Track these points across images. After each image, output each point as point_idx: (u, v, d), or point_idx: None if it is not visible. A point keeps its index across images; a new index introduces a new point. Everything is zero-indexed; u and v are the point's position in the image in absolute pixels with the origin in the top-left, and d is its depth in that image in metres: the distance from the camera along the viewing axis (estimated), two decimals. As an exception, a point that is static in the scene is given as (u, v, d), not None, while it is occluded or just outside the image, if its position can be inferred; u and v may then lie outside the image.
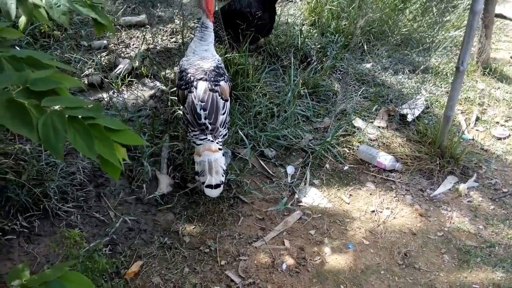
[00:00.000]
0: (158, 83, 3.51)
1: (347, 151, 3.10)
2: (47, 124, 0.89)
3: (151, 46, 3.89)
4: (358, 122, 3.29)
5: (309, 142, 3.11)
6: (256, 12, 3.45)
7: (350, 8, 4.22)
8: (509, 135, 3.24)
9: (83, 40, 3.83)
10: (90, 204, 2.56)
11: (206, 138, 2.44)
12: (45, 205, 2.39)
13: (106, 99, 3.23)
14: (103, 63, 3.60)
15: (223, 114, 2.52)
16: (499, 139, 3.22)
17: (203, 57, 2.69)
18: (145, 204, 2.61)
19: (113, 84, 3.35)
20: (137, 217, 2.53)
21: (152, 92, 3.43)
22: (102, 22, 1.52)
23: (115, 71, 3.49)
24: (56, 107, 0.95)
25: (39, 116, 0.90)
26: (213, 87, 2.52)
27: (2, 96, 0.89)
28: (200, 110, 2.45)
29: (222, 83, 2.57)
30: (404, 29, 4.08)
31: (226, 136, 2.65)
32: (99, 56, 3.64)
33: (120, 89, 3.37)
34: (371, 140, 3.17)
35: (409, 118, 3.28)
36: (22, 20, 1.50)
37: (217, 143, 2.46)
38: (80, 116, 0.92)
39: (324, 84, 3.58)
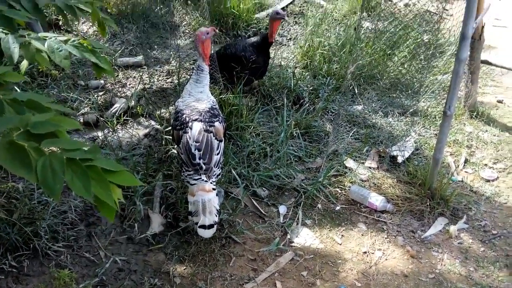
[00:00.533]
0: (153, 122, 3.56)
1: (339, 191, 3.13)
2: (46, 166, 0.93)
3: (147, 86, 3.98)
4: (350, 163, 3.34)
5: (301, 182, 3.13)
6: (250, 56, 3.56)
7: (341, 53, 4.37)
8: (497, 177, 3.30)
9: (81, 79, 3.91)
10: (81, 243, 2.54)
11: (200, 178, 2.45)
12: (35, 244, 2.37)
13: (101, 138, 3.26)
14: (99, 102, 3.66)
15: (217, 154, 2.55)
16: (488, 181, 3.27)
17: (198, 99, 2.75)
18: (136, 244, 2.59)
19: (109, 123, 3.40)
20: (128, 257, 2.51)
21: (146, 131, 3.48)
22: (102, 66, 1.59)
23: (111, 110, 3.55)
24: (55, 149, 0.98)
25: (38, 158, 0.93)
26: (208, 127, 2.56)
27: (3, 139, 0.93)
28: (195, 150, 2.47)
29: (216, 124, 2.62)
30: (393, 73, 4.21)
31: (220, 176, 2.68)
32: (95, 96, 3.71)
33: (115, 128, 3.41)
34: (362, 180, 3.21)
35: (399, 159, 3.33)
36: (24, 63, 1.56)
37: (211, 183, 2.48)
38: (78, 158, 0.95)
39: (316, 125, 3.66)
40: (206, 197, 2.42)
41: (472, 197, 3.11)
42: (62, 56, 1.53)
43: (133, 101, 3.68)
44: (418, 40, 3.88)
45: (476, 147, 3.60)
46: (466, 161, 3.45)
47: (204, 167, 2.44)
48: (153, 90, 3.98)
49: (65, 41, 1.65)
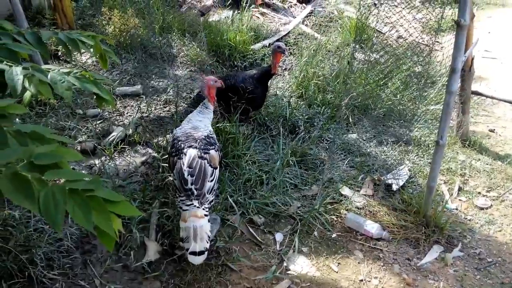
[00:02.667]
0: (150, 150, 3.60)
1: (335, 218, 3.14)
2: (48, 196, 0.95)
3: (145, 114, 4.03)
4: (345, 191, 3.37)
5: (297, 210, 3.15)
6: (248, 87, 3.64)
7: (335, 83, 4.47)
8: (491, 206, 3.33)
9: (79, 108, 3.96)
10: (76, 271, 2.53)
11: (192, 204, 2.46)
12: (31, 272, 2.36)
13: (98, 165, 3.29)
14: (97, 131, 3.70)
15: (211, 181, 2.57)
16: (482, 209, 3.30)
17: (196, 127, 2.83)
18: (132, 272, 2.58)
19: (106, 151, 3.43)
20: (123, 285, 2.49)
21: (144, 158, 3.51)
22: (104, 97, 1.64)
23: (108, 138, 3.59)
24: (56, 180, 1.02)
25: (41, 188, 0.96)
26: (202, 154, 2.60)
27: (7, 170, 0.96)
28: (188, 175, 2.50)
29: (212, 151, 2.66)
30: (387, 103, 4.30)
31: (213, 203, 2.70)
32: (93, 124, 3.76)
33: (113, 156, 3.44)
34: (358, 208, 3.23)
35: (394, 187, 3.37)
36: (27, 95, 1.61)
37: (203, 209, 2.48)
38: (80, 189, 0.99)
39: (312, 153, 3.70)
40: (198, 223, 2.42)
41: (467, 225, 3.13)
42: (64, 87, 1.58)
43: (130, 129, 3.72)
44: (410, 71, 3.99)
45: (470, 175, 3.65)
46: (460, 189, 3.49)
47: (195, 192, 2.47)
48: (150, 118, 4.03)
49: (68, 73, 1.70)
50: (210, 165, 2.60)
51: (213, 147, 2.71)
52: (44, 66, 1.69)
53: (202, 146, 2.65)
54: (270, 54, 3.75)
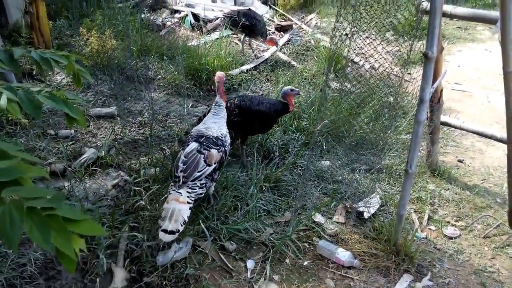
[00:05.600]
0: (122, 173, 3.53)
1: (307, 246, 3.13)
2: (5, 214, 0.92)
3: (118, 136, 3.98)
4: (318, 218, 3.37)
5: (270, 236, 3.13)
6: (262, 110, 3.74)
7: (310, 110, 4.54)
8: (460, 235, 3.39)
9: (50, 128, 3.89)
10: (38, 298, 2.42)
11: (176, 190, 2.72)
12: (-11, 298, 2.25)
13: (67, 188, 3.20)
14: (68, 152, 3.63)
15: (199, 172, 2.80)
16: (451, 238, 3.35)
17: (209, 127, 3.11)
18: (97, 299, 2.49)
19: (76, 173, 3.36)
20: (87, 313, 2.40)
21: (115, 181, 3.44)
22: (74, 116, 1.61)
23: (79, 159, 3.52)
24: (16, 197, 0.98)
25: (-2, 206, 0.92)
26: (201, 149, 2.89)
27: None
28: (181, 163, 2.80)
29: (213, 150, 2.93)
30: (359, 131, 4.38)
31: (202, 196, 2.92)
32: (64, 145, 3.68)
33: (83, 178, 3.36)
34: (330, 235, 3.23)
35: (366, 215, 3.40)
36: (-5, 112, 1.57)
37: (187, 197, 2.71)
38: (38, 207, 0.95)
39: (286, 179, 3.71)
40: (178, 206, 2.64)
41: (436, 254, 3.17)
42: (33, 106, 1.55)
43: (103, 151, 3.66)
44: (382, 102, 4.09)
45: (439, 204, 3.72)
46: (429, 218, 3.54)
47: (181, 180, 2.72)
48: (124, 141, 3.98)
49: (38, 92, 1.67)
50: (205, 161, 2.84)
51: (218, 147, 2.97)
52: (15, 84, 1.66)
53: (205, 143, 2.94)
54: (281, 97, 3.90)
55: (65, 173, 3.39)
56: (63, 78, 4.74)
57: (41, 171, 1.15)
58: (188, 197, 2.71)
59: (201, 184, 2.84)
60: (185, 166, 2.78)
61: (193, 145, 2.90)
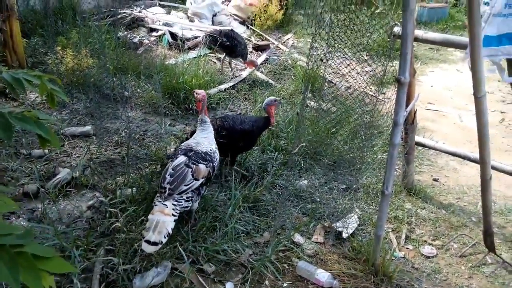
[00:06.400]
0: (97, 194, 3.45)
1: (286, 267, 3.10)
2: (-28, 251, 0.87)
3: (94, 156, 3.90)
4: (297, 238, 3.36)
5: (249, 257, 3.09)
6: (246, 129, 3.76)
7: (288, 129, 4.57)
8: (437, 254, 3.42)
9: (23, 148, 3.79)
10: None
11: (162, 202, 2.75)
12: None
13: (40, 210, 3.11)
14: (42, 172, 3.53)
15: (186, 185, 2.84)
16: (428, 257, 3.38)
17: (199, 143, 3.16)
18: (69, 328, 2.40)
19: (50, 194, 3.26)
20: None
21: (90, 203, 3.36)
22: (46, 138, 1.56)
23: (53, 180, 3.43)
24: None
25: (-36, 243, 0.88)
26: (190, 163, 2.92)
27: None
28: (168, 175, 2.84)
29: (201, 165, 2.97)
30: (337, 151, 4.41)
31: (187, 209, 2.95)
32: (38, 165, 3.58)
33: (56, 199, 3.27)
34: (309, 256, 3.22)
35: (344, 235, 3.40)
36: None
37: (173, 209, 2.74)
38: (7, 244, 0.91)
39: (265, 199, 3.69)
40: (162, 218, 2.66)
41: (414, 273, 3.19)
42: (4, 128, 1.50)
43: (77, 172, 3.58)
44: (359, 121, 4.15)
45: (416, 223, 3.76)
46: (407, 237, 3.57)
47: (167, 192, 2.76)
48: (100, 160, 3.90)
49: (9, 113, 1.62)
50: (192, 175, 2.88)
51: (206, 163, 3.01)
52: (-16, 106, 1.61)
53: (193, 157, 2.98)
54: (263, 109, 3.91)
55: (38, 194, 3.30)
56: (37, 97, 4.65)
57: (12, 205, 1.11)
58: (173, 209, 2.75)
59: (187, 198, 2.88)
60: (172, 179, 2.81)
61: (182, 159, 2.94)
